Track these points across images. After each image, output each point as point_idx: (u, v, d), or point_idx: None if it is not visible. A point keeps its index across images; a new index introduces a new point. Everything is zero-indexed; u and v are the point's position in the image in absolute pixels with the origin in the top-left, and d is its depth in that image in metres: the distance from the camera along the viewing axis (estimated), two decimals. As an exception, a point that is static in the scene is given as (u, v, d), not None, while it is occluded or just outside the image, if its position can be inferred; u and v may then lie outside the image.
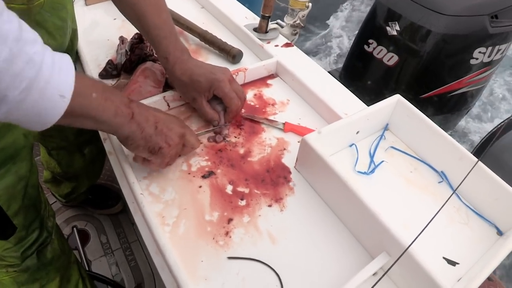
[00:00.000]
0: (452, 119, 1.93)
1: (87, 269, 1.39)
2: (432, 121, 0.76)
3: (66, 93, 0.45)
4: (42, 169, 1.36)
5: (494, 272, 1.74)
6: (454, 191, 0.65)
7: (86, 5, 1.20)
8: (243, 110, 0.85)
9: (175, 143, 0.65)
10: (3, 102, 0.40)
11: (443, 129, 0.75)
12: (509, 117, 1.82)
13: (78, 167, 1.29)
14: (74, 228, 1.49)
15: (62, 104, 0.45)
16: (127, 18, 0.78)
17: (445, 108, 1.76)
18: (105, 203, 1.57)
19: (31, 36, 0.42)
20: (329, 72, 2.05)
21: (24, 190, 0.78)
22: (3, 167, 0.71)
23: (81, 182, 1.39)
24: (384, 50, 1.64)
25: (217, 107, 0.80)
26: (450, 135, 0.82)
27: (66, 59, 0.46)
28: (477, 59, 1.58)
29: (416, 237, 0.52)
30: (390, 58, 1.63)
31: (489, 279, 1.57)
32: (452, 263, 0.64)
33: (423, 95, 1.66)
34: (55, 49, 0.77)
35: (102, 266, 1.43)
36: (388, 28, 1.59)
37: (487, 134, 1.75)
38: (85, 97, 0.50)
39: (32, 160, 0.80)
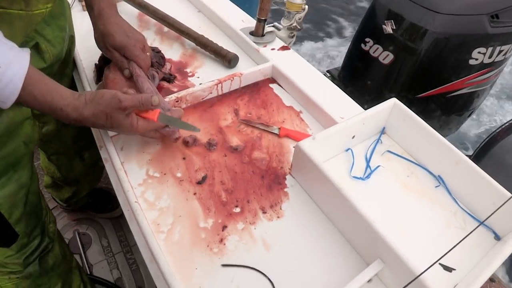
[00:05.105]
0: (453, 121, 1.91)
1: (88, 273, 1.40)
2: (432, 122, 0.75)
3: None
4: (43, 174, 1.36)
5: (496, 272, 1.72)
6: (481, 223, 0.63)
7: (84, 10, 1.20)
8: (244, 115, 0.85)
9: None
10: None
11: (444, 131, 0.74)
12: (511, 119, 1.80)
13: (78, 172, 1.29)
14: (76, 232, 1.49)
15: None
16: None
17: (444, 109, 1.73)
18: (106, 206, 1.57)
19: None
20: (328, 71, 2.04)
21: (25, 197, 0.78)
22: (4, 176, 0.71)
23: (82, 187, 1.39)
24: (380, 49, 1.63)
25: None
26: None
27: None
28: (476, 59, 1.55)
29: (429, 267, 0.50)
30: (385, 57, 1.62)
31: (491, 279, 1.57)
32: (449, 269, 0.63)
33: (420, 95, 1.64)
34: (55, 55, 0.78)
35: (104, 269, 1.43)
36: (384, 27, 1.58)
37: (488, 136, 1.73)
38: None
39: (33, 167, 0.81)
